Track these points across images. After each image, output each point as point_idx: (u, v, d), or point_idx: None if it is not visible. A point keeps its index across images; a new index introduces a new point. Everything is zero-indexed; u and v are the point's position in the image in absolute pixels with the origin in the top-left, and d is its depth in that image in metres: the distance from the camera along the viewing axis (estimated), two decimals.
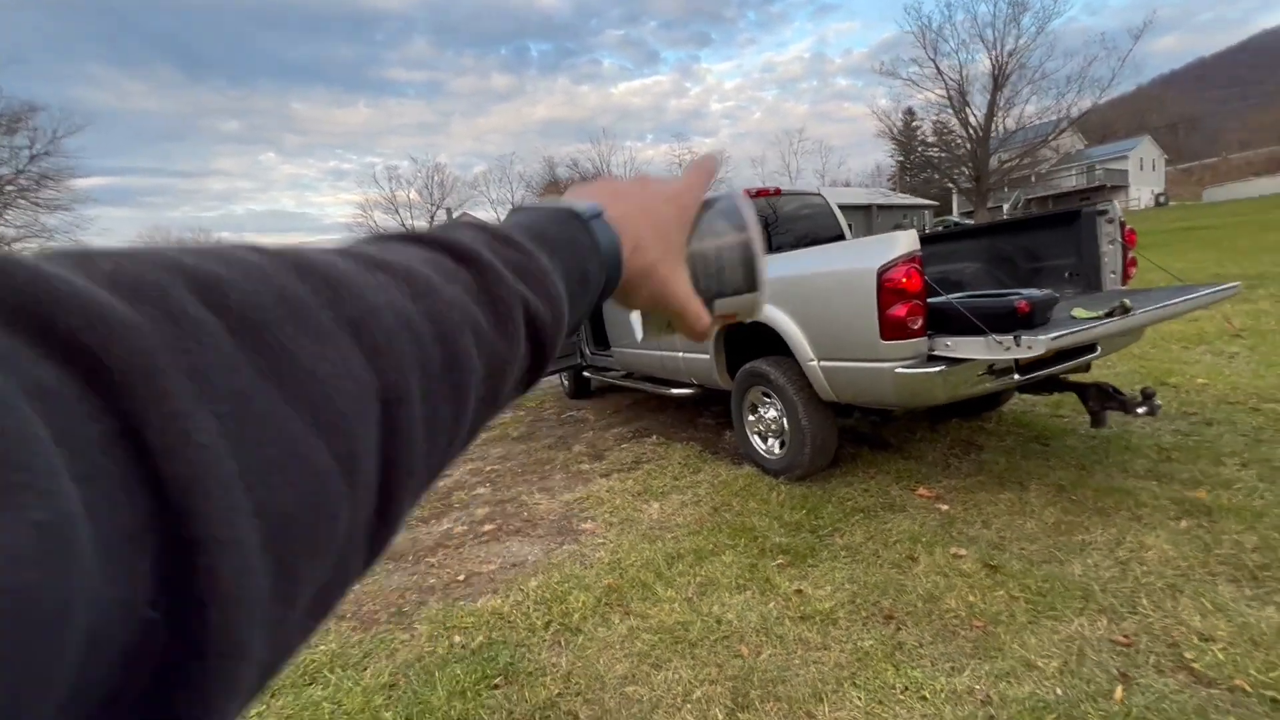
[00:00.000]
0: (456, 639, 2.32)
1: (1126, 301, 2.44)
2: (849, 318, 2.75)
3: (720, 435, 4.59)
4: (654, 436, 4.77)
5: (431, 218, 60.53)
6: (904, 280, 2.54)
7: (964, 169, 33.97)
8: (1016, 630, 1.92)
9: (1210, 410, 3.55)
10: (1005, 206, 41.60)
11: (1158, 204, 48.52)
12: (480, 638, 2.30)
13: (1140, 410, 2.55)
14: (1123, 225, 3.23)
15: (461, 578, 2.86)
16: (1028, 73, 30.55)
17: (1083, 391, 2.88)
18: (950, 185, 41.75)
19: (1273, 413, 3.39)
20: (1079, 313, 2.53)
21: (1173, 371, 4.36)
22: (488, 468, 4.57)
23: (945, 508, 2.84)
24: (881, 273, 2.57)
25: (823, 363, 2.98)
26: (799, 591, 2.32)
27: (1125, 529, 2.39)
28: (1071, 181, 47.77)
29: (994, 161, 32.04)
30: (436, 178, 61.53)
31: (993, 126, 31.48)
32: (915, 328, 2.55)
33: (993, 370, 2.63)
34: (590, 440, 4.97)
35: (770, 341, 3.63)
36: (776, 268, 3.34)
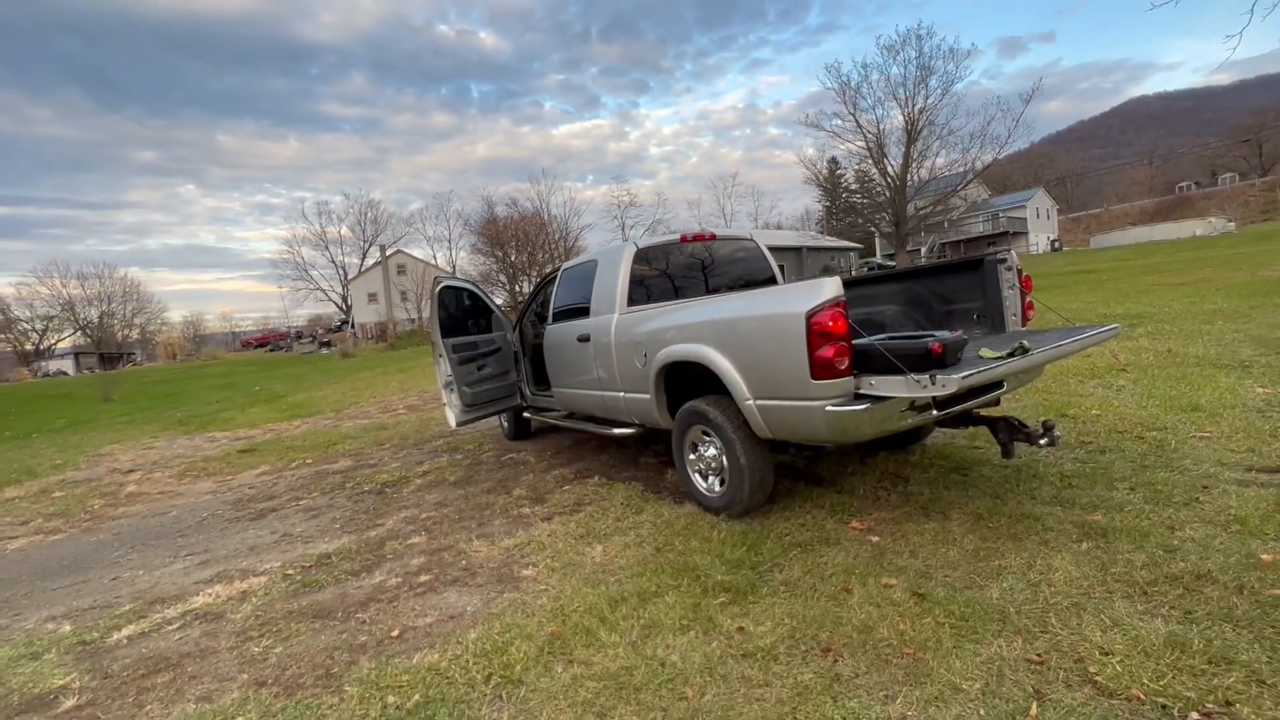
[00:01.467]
0: (390, 700, 2.21)
1: (1025, 343, 2.70)
2: (781, 359, 2.89)
3: (662, 474, 4.63)
4: (596, 477, 4.76)
5: (364, 254, 58.96)
6: (830, 323, 2.70)
7: (885, 214, 36.40)
8: (943, 655, 2.03)
9: (1103, 439, 3.90)
10: (922, 250, 44.70)
11: (1053, 249, 53.32)
12: (416, 697, 2.20)
13: (1043, 441, 2.79)
14: (1019, 272, 3.57)
15: (395, 633, 2.74)
16: (936, 129, 33.32)
17: (993, 425, 3.12)
18: (873, 230, 44.68)
19: (1154, 440, 3.77)
20: (986, 353, 2.76)
21: (1070, 404, 4.77)
22: (423, 515, 4.42)
23: (876, 539, 2.97)
24: (810, 316, 2.73)
25: (758, 401, 3.10)
26: (741, 629, 2.35)
27: (1035, 553, 2.58)
28: (979, 228, 51.86)
29: (911, 208, 34.51)
30: (370, 214, 60.26)
31: (908, 176, 34.00)
32: (842, 368, 2.71)
33: (914, 406, 2.81)
34: (531, 483, 4.90)
35: (708, 381, 3.75)
36: (713, 310, 3.48)
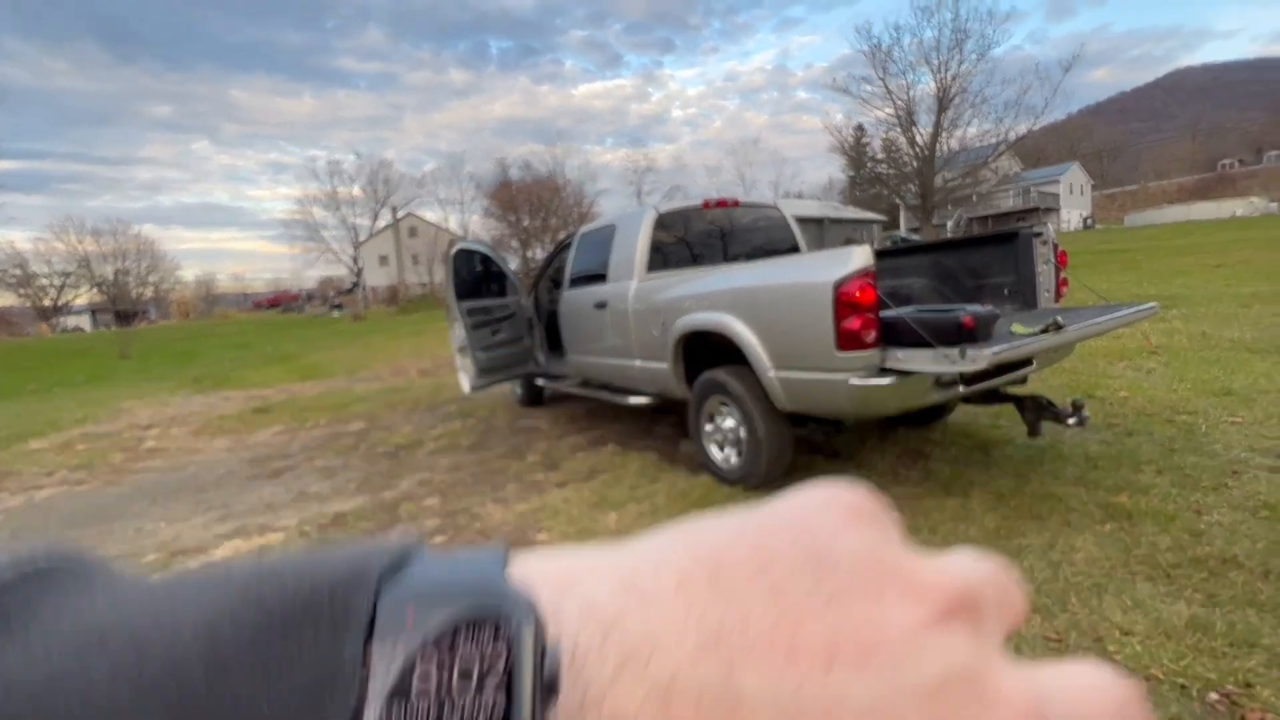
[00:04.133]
0: None
1: (1059, 319, 2.59)
2: (806, 329, 2.81)
3: (677, 445, 4.60)
4: (610, 446, 4.74)
5: (375, 215, 58.74)
6: (858, 294, 2.61)
7: (911, 186, 35.38)
8: None
9: (1131, 421, 3.79)
10: (949, 224, 43.61)
11: (1085, 227, 51.89)
12: None
13: (1071, 421, 2.70)
14: (1055, 247, 3.42)
15: None
16: (969, 97, 32.11)
17: (1020, 403, 3.03)
18: (898, 201, 43.54)
19: (1184, 424, 3.65)
20: (1017, 329, 2.66)
21: (1098, 385, 4.64)
22: (437, 478, 4.45)
23: (895, 515, 2.92)
24: (837, 286, 2.63)
25: (780, 373, 3.03)
26: None
27: (1057, 533, 2.52)
28: (1009, 202, 50.43)
29: (939, 180, 33.47)
30: (382, 174, 59.81)
31: (938, 146, 32.91)
32: (869, 340, 2.63)
33: (940, 382, 2.73)
34: (544, 450, 4.90)
35: (728, 352, 3.68)
36: (737, 278, 3.39)
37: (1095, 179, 63.11)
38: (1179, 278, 10.36)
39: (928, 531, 2.71)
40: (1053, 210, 51.18)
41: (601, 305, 4.58)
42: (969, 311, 2.49)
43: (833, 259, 2.72)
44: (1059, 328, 2.55)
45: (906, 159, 35.63)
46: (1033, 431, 2.96)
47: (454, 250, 5.53)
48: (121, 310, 55.25)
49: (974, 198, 44.32)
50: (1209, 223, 34.28)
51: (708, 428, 3.74)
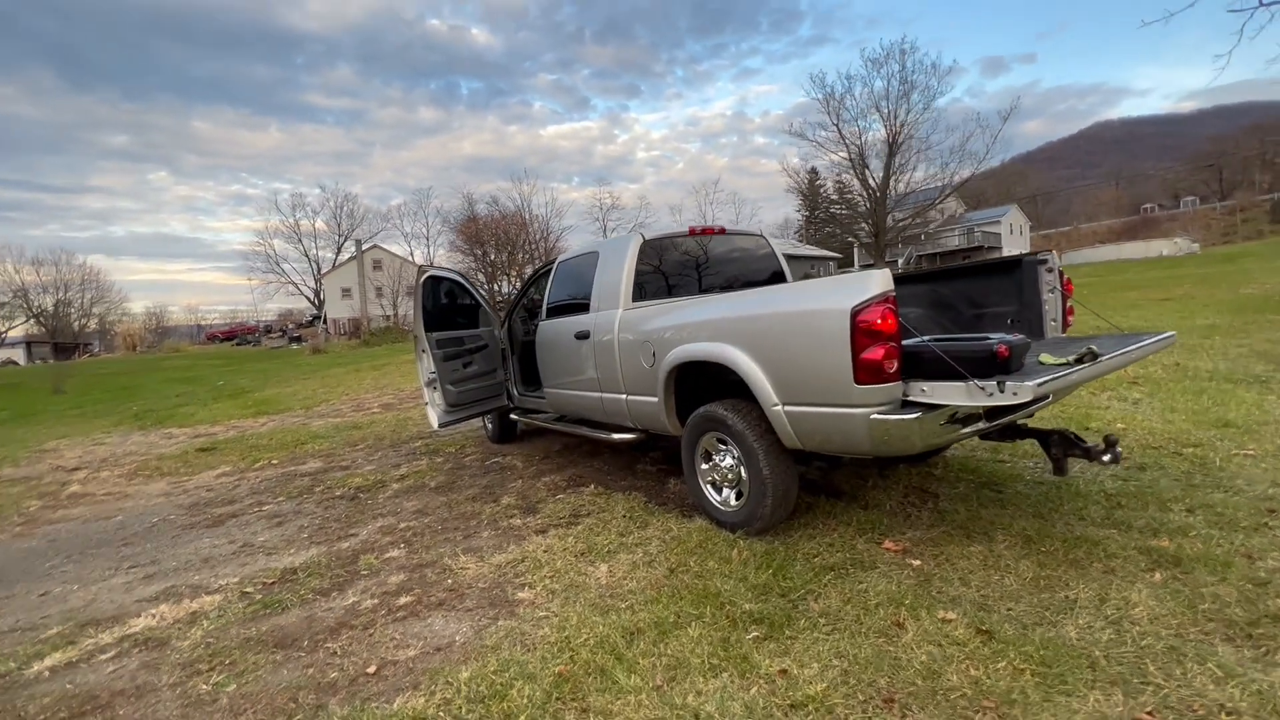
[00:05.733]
0: None
1: (1094, 348, 2.43)
2: (819, 360, 2.58)
3: (664, 483, 4.29)
4: (591, 486, 4.39)
5: (339, 248, 57.47)
6: (879, 321, 2.40)
7: (864, 225, 36.71)
8: (1032, 711, 1.72)
9: (1139, 455, 3.68)
10: (900, 260, 45.19)
11: None
12: None
13: (1105, 459, 2.53)
14: (1061, 274, 3.32)
15: (372, 669, 2.34)
16: (916, 143, 33.72)
17: (1044, 438, 2.85)
18: (851, 240, 45.01)
19: (1194, 457, 3.55)
20: (1046, 359, 2.49)
21: (1090, 417, 4.57)
22: (401, 524, 4.01)
23: (917, 563, 2.67)
24: (856, 313, 2.42)
25: (788, 407, 2.78)
26: (783, 672, 2.02)
27: (1105, 584, 2.31)
28: (955, 241, 52.74)
29: (890, 220, 34.82)
30: (347, 207, 58.82)
31: (889, 188, 34.31)
32: (891, 371, 2.41)
33: (954, 419, 2.52)
34: (520, 490, 4.51)
35: (725, 384, 3.42)
36: (738, 305, 3.16)
37: (1032, 220, 66.77)
38: (1132, 311, 10.73)
39: (959, 583, 2.46)
40: (996, 249, 53.72)
41: (583, 335, 4.29)
42: (1003, 340, 2.30)
43: (850, 284, 2.51)
44: (1095, 357, 2.39)
45: (860, 199, 37.02)
46: (1058, 469, 2.77)
47: (424, 277, 5.18)
48: (60, 343, 51.83)
49: (923, 236, 46.30)
50: (1140, 261, 36.49)
51: (703, 466, 3.45)
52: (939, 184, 34.63)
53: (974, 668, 1.92)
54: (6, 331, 55.45)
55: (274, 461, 6.40)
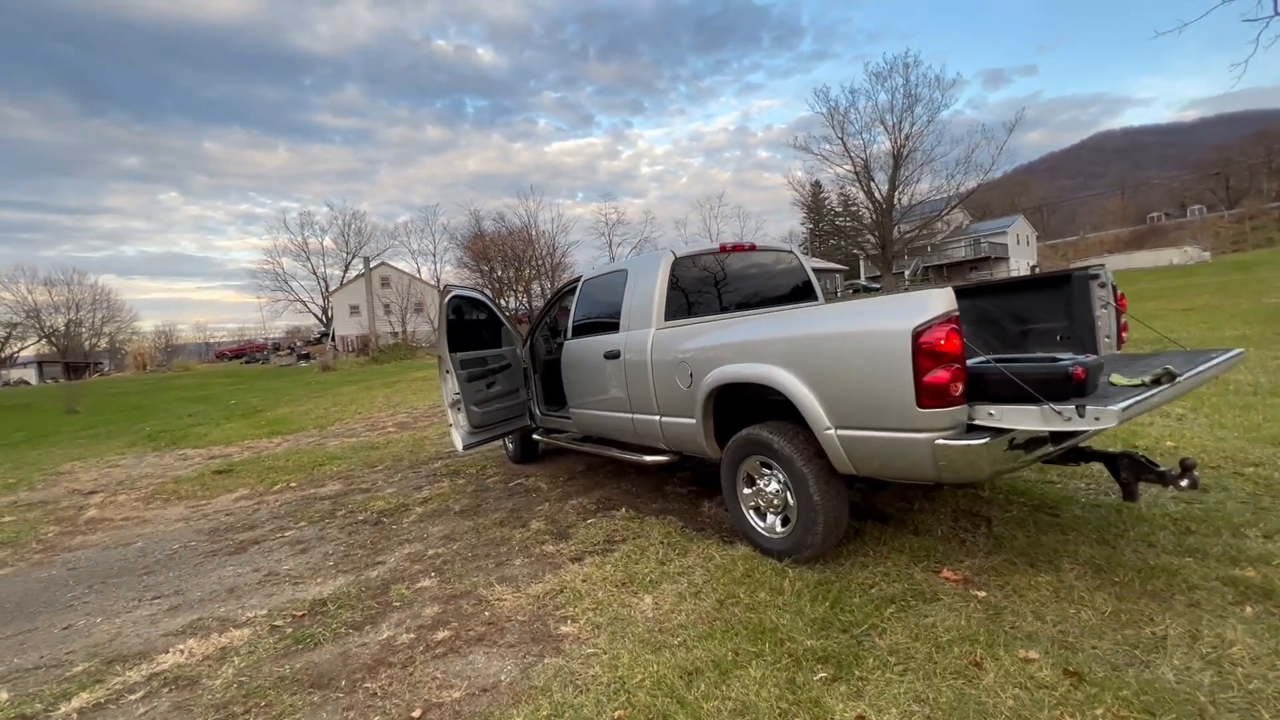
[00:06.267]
0: None
1: (1171, 368, 2.32)
2: (877, 383, 2.47)
3: (697, 506, 4.17)
4: (622, 509, 4.28)
5: (347, 265, 57.91)
6: (943, 342, 2.30)
7: (870, 237, 36.66)
8: None
9: (1199, 475, 3.53)
10: (906, 273, 45.08)
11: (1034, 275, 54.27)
12: None
13: (1183, 484, 2.41)
14: (1114, 289, 3.22)
15: (416, 713, 2.23)
16: (921, 155, 33.77)
17: (1112, 461, 2.73)
18: (857, 252, 44.95)
19: (1255, 476, 3.41)
20: (1118, 380, 2.38)
21: (1138, 434, 4.43)
22: (430, 551, 3.90)
23: (982, 594, 2.54)
24: (918, 334, 2.32)
25: (841, 431, 2.67)
26: (860, 718, 1.90)
27: (1193, 619, 2.18)
28: (962, 252, 52.67)
29: (896, 232, 34.77)
30: (354, 225, 59.34)
31: (894, 200, 34.30)
32: (956, 394, 2.31)
33: (1014, 445, 2.39)
34: (548, 514, 4.40)
35: (766, 406, 3.32)
36: (786, 325, 3.06)
37: (1038, 230, 66.67)
38: (1156, 322, 10.55)
39: (1033, 618, 2.33)
40: (1002, 259, 53.58)
41: (613, 355, 4.20)
42: (1078, 361, 2.20)
43: (910, 303, 2.42)
44: (1173, 377, 2.28)
45: (865, 211, 36.99)
46: (1128, 495, 2.65)
47: (448, 297, 5.12)
48: (72, 362, 52.17)
49: (929, 248, 46.22)
50: (1151, 270, 36.22)
51: (745, 491, 3.34)
52: (944, 195, 34.61)
53: (1068, 714, 1.79)
54: (19, 351, 55.92)
55: (292, 484, 6.31)
